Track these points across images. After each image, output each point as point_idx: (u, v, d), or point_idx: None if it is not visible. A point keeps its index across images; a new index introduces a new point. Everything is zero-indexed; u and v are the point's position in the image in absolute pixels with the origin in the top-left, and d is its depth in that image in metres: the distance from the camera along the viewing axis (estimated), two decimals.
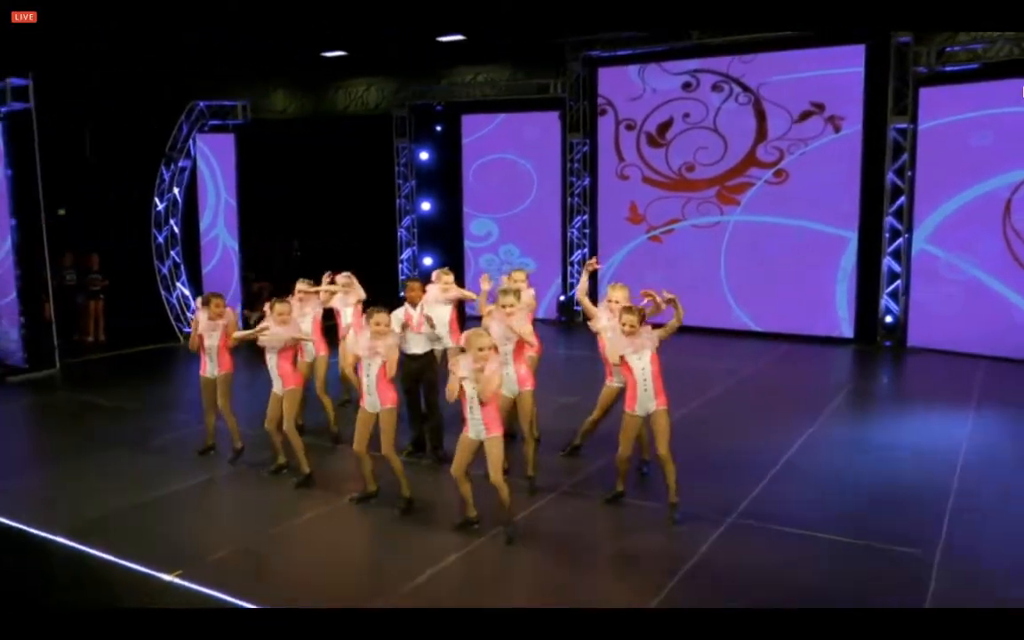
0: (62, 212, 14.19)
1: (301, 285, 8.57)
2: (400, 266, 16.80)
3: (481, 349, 6.00)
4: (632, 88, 14.62)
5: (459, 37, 14.84)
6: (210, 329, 7.76)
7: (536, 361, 7.98)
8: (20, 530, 6.38)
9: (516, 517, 6.40)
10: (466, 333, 6.32)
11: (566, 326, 15.12)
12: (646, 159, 14.64)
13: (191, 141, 13.55)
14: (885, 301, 13.07)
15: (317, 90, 16.91)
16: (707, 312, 14.20)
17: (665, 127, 14.40)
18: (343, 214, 16.27)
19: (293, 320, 7.38)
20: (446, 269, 8.64)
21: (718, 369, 11.71)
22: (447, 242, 16.38)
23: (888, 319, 13.07)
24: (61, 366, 11.80)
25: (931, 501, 6.83)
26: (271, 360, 7.23)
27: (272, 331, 7.15)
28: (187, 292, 13.88)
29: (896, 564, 5.80)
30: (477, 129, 15.95)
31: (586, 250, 15.46)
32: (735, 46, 13.62)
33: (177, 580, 5.56)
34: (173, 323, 13.78)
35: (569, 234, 15.55)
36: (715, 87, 13.96)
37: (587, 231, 15.42)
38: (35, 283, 11.56)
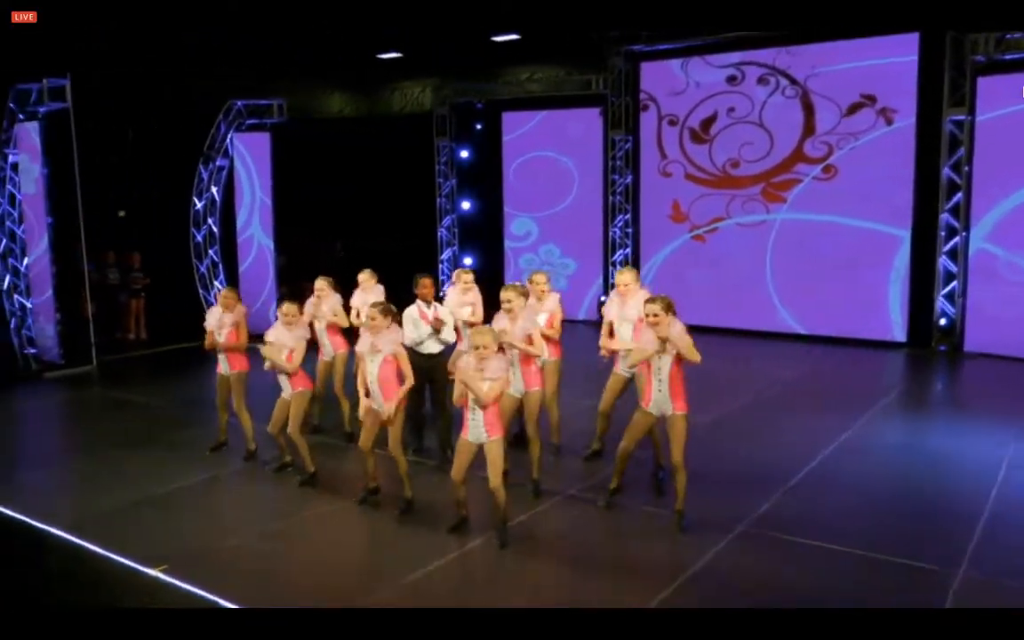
0: (122, 213, 14.62)
1: (320, 282, 8.59)
2: (440, 266, 16.83)
3: (477, 347, 5.91)
4: (675, 82, 14.37)
5: (513, 37, 14.76)
6: (219, 325, 7.84)
7: (557, 365, 7.86)
8: (20, 521, 6.53)
9: (513, 521, 6.31)
10: (470, 331, 6.25)
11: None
12: (689, 155, 14.37)
13: (229, 140, 13.80)
14: (940, 303, 12.56)
15: (372, 91, 17.03)
16: (751, 314, 13.87)
17: (709, 122, 14.11)
18: (386, 214, 16.37)
19: (301, 321, 7.39)
20: (466, 269, 8.55)
21: (756, 372, 11.42)
22: (487, 242, 16.36)
23: (943, 322, 12.56)
24: (98, 363, 12.12)
25: (961, 518, 6.48)
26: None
27: (268, 347, 7.15)
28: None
29: (910, 582, 5.52)
30: (518, 127, 15.90)
31: (628, 250, 15.25)
32: (781, 37, 13.27)
33: (162, 575, 5.61)
34: None
35: (611, 233, 15.36)
36: (761, 80, 13.62)
37: (629, 230, 15.21)
38: (71, 280, 11.91)
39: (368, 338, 6.55)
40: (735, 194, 14.00)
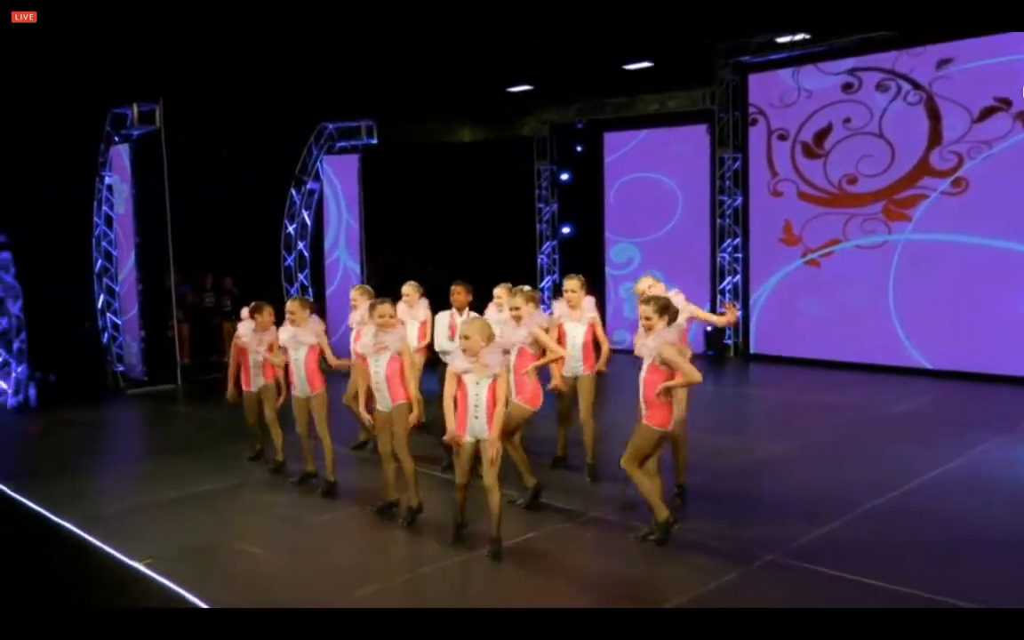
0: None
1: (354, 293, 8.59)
2: (542, 294, 16.71)
3: (466, 337, 5.70)
4: (785, 93, 13.73)
5: (646, 65, 14.62)
6: (256, 342, 7.92)
7: (592, 380, 7.54)
8: (37, 513, 6.82)
9: (519, 538, 6.03)
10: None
11: (715, 360, 14.28)
12: (801, 172, 13.64)
13: (319, 163, 14.27)
14: None
15: (498, 121, 17.19)
16: (872, 347, 12.90)
17: (823, 135, 13.36)
18: (483, 238, 16.45)
19: (308, 320, 7.37)
20: (516, 287, 8.18)
21: (865, 403, 10.58)
22: (587, 269, 16.02)
23: None
24: (184, 382, 12.69)
25: None
26: (297, 359, 7.29)
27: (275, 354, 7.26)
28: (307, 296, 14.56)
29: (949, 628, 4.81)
30: (619, 147, 15.64)
31: (738, 277, 14.60)
32: (902, 37, 12.43)
33: (145, 568, 5.67)
34: None
35: (719, 259, 14.77)
36: (880, 86, 12.79)
37: (739, 255, 14.58)
38: (158, 300, 12.57)
39: (373, 337, 6.44)
40: (853, 213, 13.15)
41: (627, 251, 15.66)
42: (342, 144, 14.30)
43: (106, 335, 12.85)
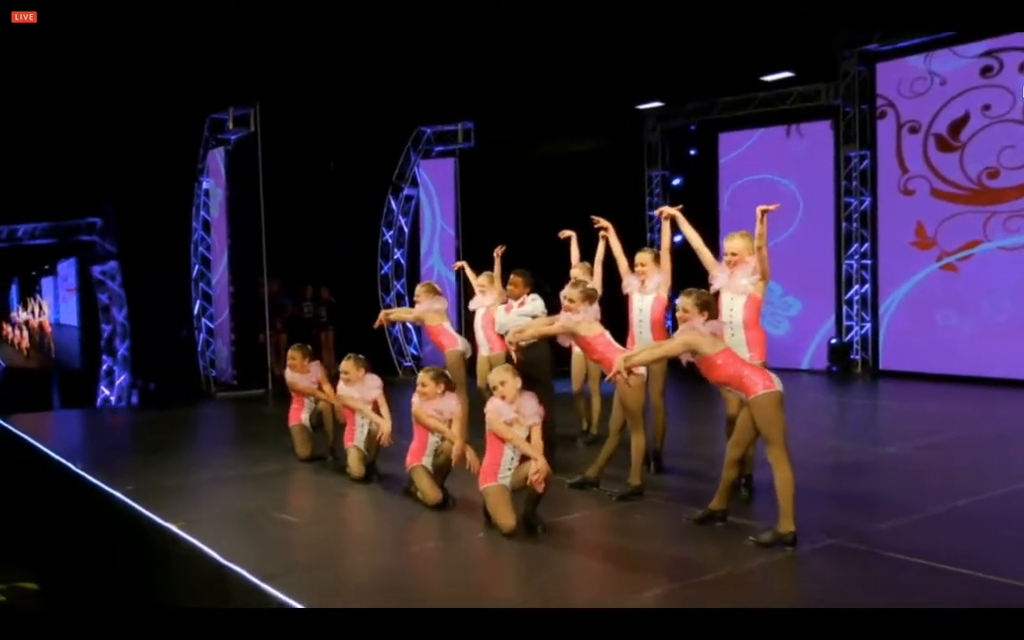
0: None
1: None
2: None
3: (502, 382, 5.92)
4: (916, 82, 13.11)
5: (787, 75, 14.44)
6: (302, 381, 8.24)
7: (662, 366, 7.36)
8: (95, 485, 7.21)
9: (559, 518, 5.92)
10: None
11: (841, 377, 13.64)
12: (935, 167, 12.95)
13: (416, 168, 14.62)
14: None
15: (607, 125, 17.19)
16: (1019, 361, 12.02)
17: (959, 125, 12.66)
18: (588, 247, 16.35)
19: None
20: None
21: (997, 414, 9.87)
22: (701, 280, 15.68)
23: None
24: (274, 388, 13.13)
25: None
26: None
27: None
28: (410, 324, 14.80)
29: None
30: (734, 148, 15.29)
31: (867, 287, 13.95)
32: None
33: (180, 531, 5.87)
34: (394, 356, 14.75)
35: (845, 267, 14.17)
36: None
37: (867, 262, 13.94)
38: (250, 305, 13.09)
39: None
40: (994, 211, 12.36)
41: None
42: (439, 149, 14.59)
43: (200, 339, 13.49)
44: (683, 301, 5.65)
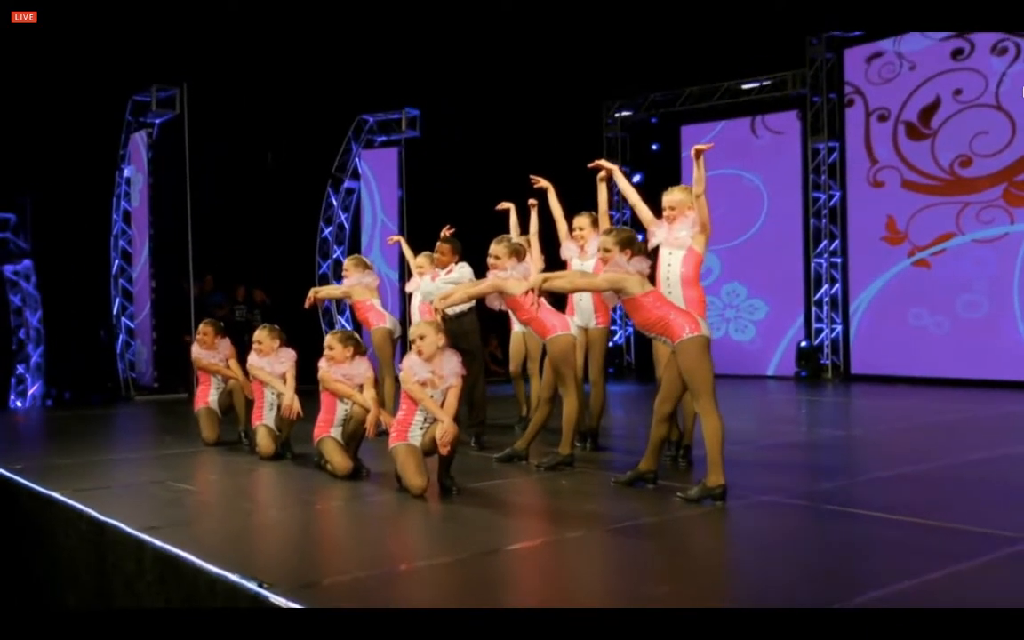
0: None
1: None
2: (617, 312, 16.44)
3: (421, 336, 5.90)
4: (884, 67, 13.29)
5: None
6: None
7: (604, 334, 7.35)
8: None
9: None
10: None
11: (809, 382, 13.67)
12: (905, 157, 13.10)
13: (357, 159, 14.57)
14: None
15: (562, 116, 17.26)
16: (996, 361, 12.13)
17: (929, 111, 12.84)
18: (546, 247, 16.34)
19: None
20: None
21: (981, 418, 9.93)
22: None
23: None
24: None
25: None
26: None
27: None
28: (349, 327, 14.67)
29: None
30: (696, 142, 15.36)
31: (837, 287, 14.04)
32: None
33: (64, 497, 5.71)
34: None
35: (813, 266, 14.25)
36: (996, 49, 12.24)
37: (837, 260, 14.04)
38: (173, 302, 12.89)
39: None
40: (967, 201, 12.51)
41: (706, 259, 15.27)
42: (382, 138, 14.56)
43: (120, 340, 13.28)
44: (604, 240, 5.66)
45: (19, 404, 14.67)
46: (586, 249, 7.46)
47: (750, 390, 12.67)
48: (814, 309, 14.26)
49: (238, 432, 8.00)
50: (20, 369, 14.69)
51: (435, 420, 5.67)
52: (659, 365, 6.41)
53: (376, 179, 14.33)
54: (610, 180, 7.24)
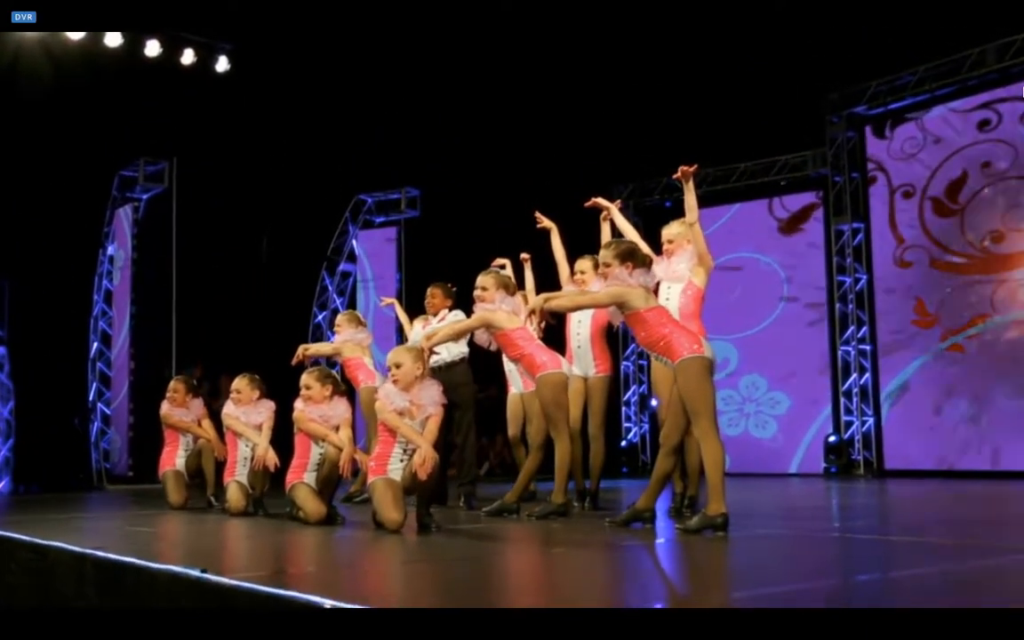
0: None
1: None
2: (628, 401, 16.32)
3: (396, 364, 5.89)
4: (907, 142, 13.44)
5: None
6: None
7: (605, 383, 7.30)
8: None
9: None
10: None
11: (840, 479, 13.41)
12: (933, 235, 13.14)
13: (354, 240, 14.72)
14: None
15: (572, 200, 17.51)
16: None
17: (957, 186, 12.92)
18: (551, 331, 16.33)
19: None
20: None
21: None
22: None
23: None
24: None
25: None
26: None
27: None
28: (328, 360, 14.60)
29: None
30: (711, 225, 15.47)
31: (867, 376, 13.93)
32: None
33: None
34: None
35: (841, 353, 14.17)
36: None
37: (866, 347, 13.96)
38: (151, 386, 12.84)
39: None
40: (1003, 279, 12.47)
41: (722, 350, 15.12)
42: (381, 219, 14.74)
43: (95, 428, 13.23)
44: (603, 254, 5.65)
45: None
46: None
47: (775, 486, 12.47)
48: (843, 400, 14.11)
49: (206, 497, 7.92)
50: None
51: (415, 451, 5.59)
52: (656, 388, 6.33)
53: (373, 261, 14.44)
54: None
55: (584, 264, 7.44)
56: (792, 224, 14.85)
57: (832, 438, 14.05)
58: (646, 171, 16.27)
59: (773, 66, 13.64)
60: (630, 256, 5.53)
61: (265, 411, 7.29)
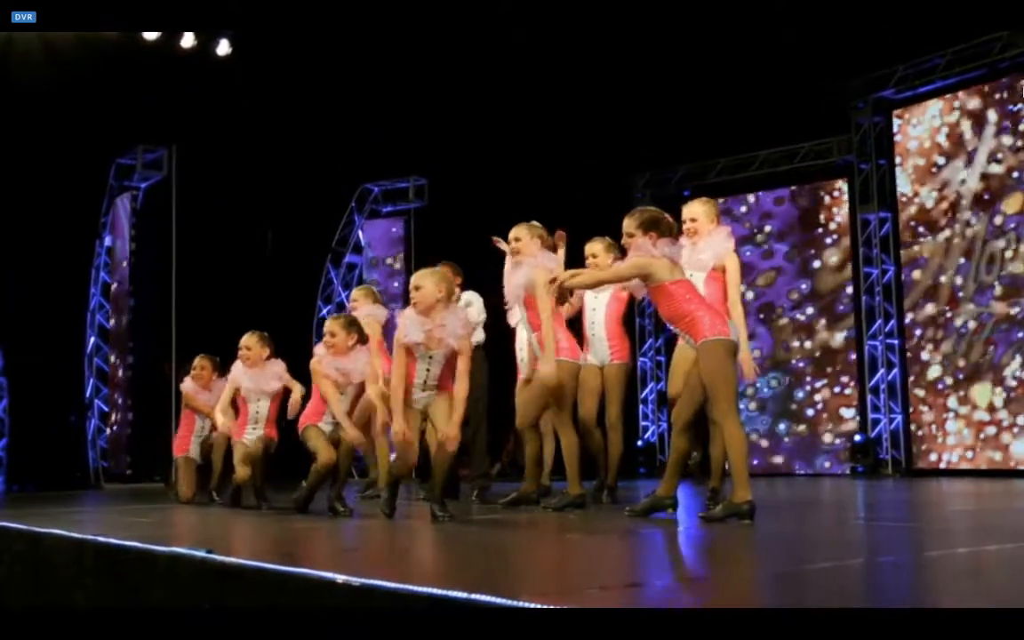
0: None
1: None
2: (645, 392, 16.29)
3: (416, 287, 5.78)
4: (927, 122, 13.39)
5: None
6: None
7: (623, 370, 7.25)
8: None
9: None
10: None
11: (868, 477, 13.34)
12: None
13: (359, 231, 14.72)
14: None
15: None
16: None
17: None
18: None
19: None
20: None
21: None
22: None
23: None
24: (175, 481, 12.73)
25: None
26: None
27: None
28: None
29: None
30: (731, 213, 15.44)
31: (896, 371, 13.85)
32: None
33: None
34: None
35: (867, 348, 14.10)
36: None
37: (894, 341, 13.89)
38: (151, 381, 12.88)
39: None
40: None
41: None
42: (387, 209, 14.73)
43: (91, 426, 13.24)
44: (626, 223, 5.48)
45: None
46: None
47: (799, 486, 12.42)
48: (869, 397, 14.04)
49: (208, 490, 7.89)
50: None
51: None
52: (674, 377, 6.22)
53: (378, 251, 14.44)
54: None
55: (595, 247, 7.25)
56: (815, 214, 14.78)
57: (858, 437, 13.98)
58: (663, 160, 16.22)
59: (794, 50, 13.59)
60: (654, 225, 5.41)
61: (276, 377, 7.18)
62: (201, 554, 3.57)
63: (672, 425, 5.55)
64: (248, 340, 7.20)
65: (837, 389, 14.36)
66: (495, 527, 5.62)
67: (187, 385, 8.17)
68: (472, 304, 7.91)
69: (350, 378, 6.32)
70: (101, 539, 4.32)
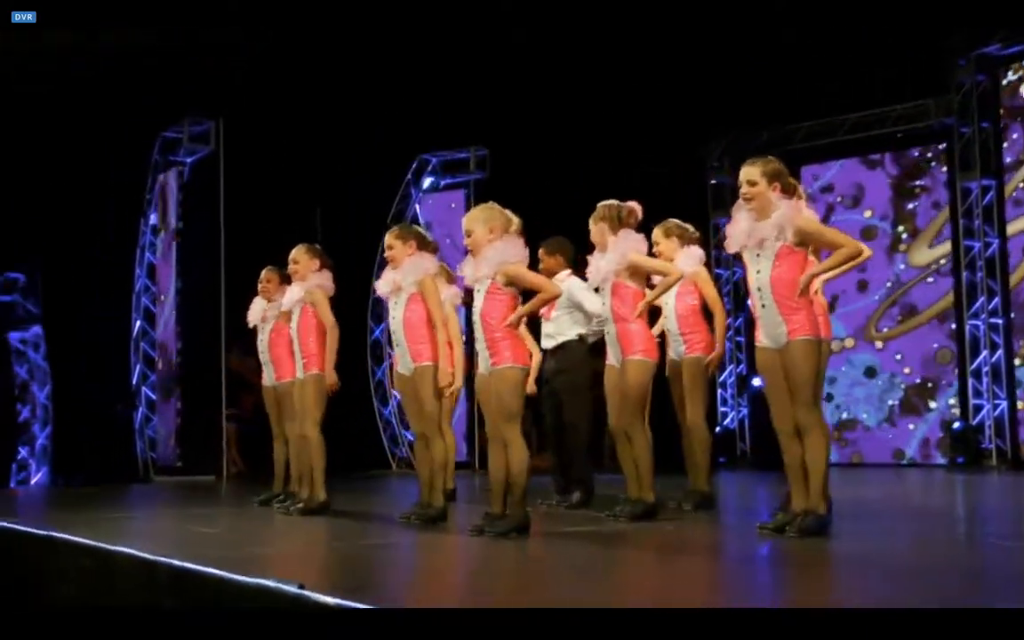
0: None
1: None
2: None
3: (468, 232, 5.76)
4: None
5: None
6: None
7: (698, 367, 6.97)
8: None
9: None
10: None
11: (968, 470, 13.04)
12: None
13: (416, 204, 14.63)
14: None
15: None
16: None
17: None
18: None
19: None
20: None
21: None
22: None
23: None
24: (228, 474, 12.77)
25: None
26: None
27: None
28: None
29: None
30: (810, 183, 15.13)
31: (1000, 353, 13.51)
32: None
33: None
34: (386, 444, 14.47)
35: (968, 328, 13.77)
36: None
37: (998, 321, 13.55)
38: (202, 368, 12.88)
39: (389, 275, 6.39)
40: None
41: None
42: (446, 181, 14.61)
43: (139, 414, 13.31)
44: (747, 171, 5.23)
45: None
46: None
47: (892, 479, 12.18)
48: (971, 381, 13.71)
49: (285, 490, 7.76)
50: (23, 452, 14.82)
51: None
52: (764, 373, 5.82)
53: (440, 227, 14.33)
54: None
55: (657, 234, 7.06)
56: (910, 181, 14.45)
57: (957, 425, 13.68)
58: (743, 123, 15.93)
59: (887, 2, 13.26)
60: (777, 177, 5.23)
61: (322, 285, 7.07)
62: (293, 589, 3.47)
63: (779, 434, 5.34)
64: (296, 254, 7.14)
65: (934, 372, 14.09)
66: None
67: (254, 308, 7.98)
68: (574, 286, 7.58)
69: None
70: (176, 563, 4.24)
